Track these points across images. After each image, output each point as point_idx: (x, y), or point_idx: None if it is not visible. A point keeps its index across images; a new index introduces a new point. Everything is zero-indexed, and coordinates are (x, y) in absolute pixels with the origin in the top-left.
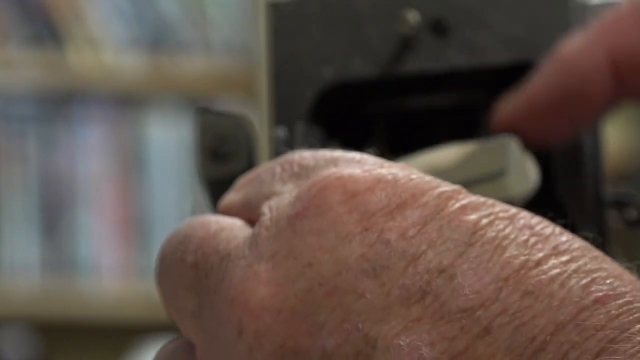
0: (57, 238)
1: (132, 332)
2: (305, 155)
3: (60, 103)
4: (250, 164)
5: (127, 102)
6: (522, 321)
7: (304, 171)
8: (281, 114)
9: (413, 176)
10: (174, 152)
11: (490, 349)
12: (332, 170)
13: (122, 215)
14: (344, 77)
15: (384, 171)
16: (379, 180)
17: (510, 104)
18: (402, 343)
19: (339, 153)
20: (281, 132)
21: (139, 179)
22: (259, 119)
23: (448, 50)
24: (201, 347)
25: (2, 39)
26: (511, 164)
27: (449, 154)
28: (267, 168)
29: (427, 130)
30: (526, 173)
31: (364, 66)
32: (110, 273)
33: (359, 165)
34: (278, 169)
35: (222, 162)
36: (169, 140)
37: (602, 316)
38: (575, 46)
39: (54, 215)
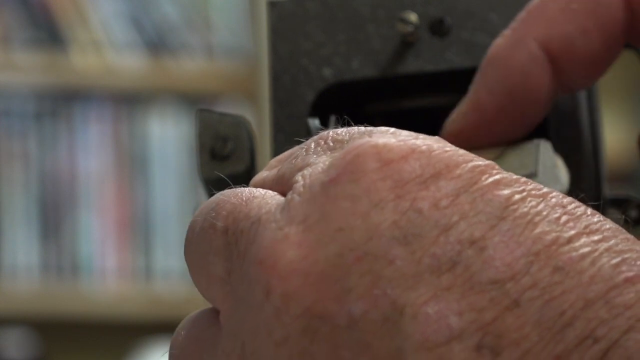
0: (58, 237)
1: (132, 332)
2: (339, 131)
3: (62, 103)
4: (250, 164)
5: (128, 102)
6: (552, 296)
7: (339, 144)
8: (281, 114)
9: (447, 148)
10: (175, 152)
11: (518, 322)
12: (367, 139)
13: (122, 215)
14: (344, 77)
15: (418, 142)
16: (414, 150)
17: (456, 117)
18: (430, 311)
19: (372, 127)
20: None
21: (139, 179)
22: (259, 119)
23: (448, 50)
24: (226, 312)
25: (5, 41)
26: (540, 166)
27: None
28: (301, 145)
29: (427, 130)
30: (557, 175)
31: (364, 66)
32: (110, 273)
33: (394, 136)
34: (312, 145)
35: (222, 162)
36: (170, 140)
37: (632, 295)
38: (506, 42)
39: (54, 214)
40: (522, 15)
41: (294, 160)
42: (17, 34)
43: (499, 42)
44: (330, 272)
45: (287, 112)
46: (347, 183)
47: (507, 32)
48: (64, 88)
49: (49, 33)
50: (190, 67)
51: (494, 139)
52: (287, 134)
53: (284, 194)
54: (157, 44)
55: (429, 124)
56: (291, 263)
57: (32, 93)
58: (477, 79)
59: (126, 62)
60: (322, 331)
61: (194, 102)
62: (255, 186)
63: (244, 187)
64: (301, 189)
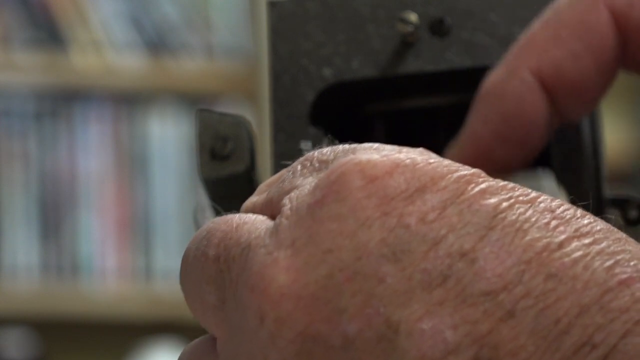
0: (58, 237)
1: (132, 332)
2: (324, 151)
3: (62, 103)
4: (250, 164)
5: (128, 102)
6: (546, 304)
7: (324, 165)
8: (281, 114)
9: (431, 160)
10: (175, 152)
11: (514, 332)
12: (350, 157)
13: (122, 215)
14: (344, 77)
15: (402, 156)
16: (398, 165)
17: (453, 150)
18: (424, 327)
19: (356, 144)
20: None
21: (139, 179)
22: (259, 119)
23: (448, 50)
24: (222, 339)
25: (5, 41)
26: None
27: None
28: (288, 168)
29: (426, 130)
30: None
31: (364, 66)
32: (110, 273)
33: (377, 151)
34: (299, 167)
35: (222, 162)
36: (170, 140)
37: (627, 298)
38: (499, 74)
39: (54, 214)
40: (513, 49)
41: (281, 184)
42: (17, 34)
43: (492, 76)
44: (321, 294)
45: (287, 112)
46: (333, 203)
47: (499, 66)
48: (64, 88)
49: (49, 33)
50: (190, 67)
51: (495, 168)
52: (287, 134)
53: (273, 218)
54: (157, 44)
55: (429, 124)
56: (281, 287)
57: (32, 93)
58: (472, 113)
59: (126, 62)
60: (317, 353)
61: (194, 102)
62: (246, 211)
63: (235, 213)
64: (288, 212)
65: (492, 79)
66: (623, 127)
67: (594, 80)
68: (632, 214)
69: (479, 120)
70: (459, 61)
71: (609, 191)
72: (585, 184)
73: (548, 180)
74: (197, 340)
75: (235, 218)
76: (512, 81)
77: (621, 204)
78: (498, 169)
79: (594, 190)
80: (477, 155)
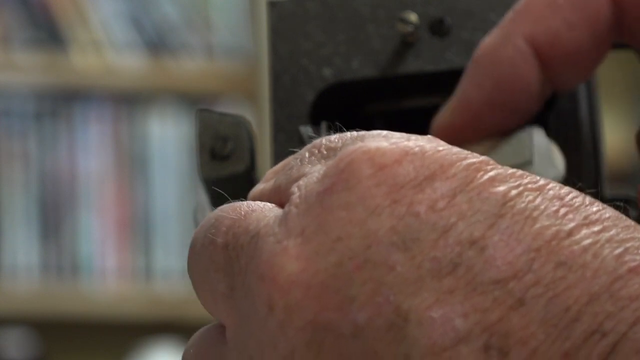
0: (58, 237)
1: (132, 332)
2: (332, 138)
3: (62, 103)
4: (250, 164)
5: (128, 102)
6: (556, 292)
7: (332, 152)
8: (281, 114)
9: (440, 148)
10: (175, 152)
11: (524, 320)
12: (359, 145)
13: (122, 215)
14: (344, 77)
15: (411, 143)
16: (407, 153)
17: (445, 114)
18: (434, 315)
19: (364, 131)
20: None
21: (139, 179)
22: (259, 119)
23: (448, 50)
24: (231, 328)
25: (5, 41)
26: (536, 154)
27: (473, 148)
28: (295, 155)
29: (427, 130)
30: (553, 162)
31: (364, 66)
32: (110, 273)
33: (386, 139)
34: (306, 154)
35: (222, 162)
36: (170, 140)
37: (636, 286)
38: (494, 40)
39: (54, 214)
40: (509, 14)
41: (289, 171)
42: (17, 34)
43: (487, 41)
44: (331, 282)
45: (287, 112)
46: (342, 192)
47: (494, 31)
48: (64, 88)
49: (49, 33)
50: (190, 67)
51: (484, 134)
52: (287, 134)
53: (282, 205)
54: (157, 44)
55: (429, 124)
56: (291, 276)
57: (32, 93)
58: (465, 76)
59: (126, 62)
60: (328, 342)
61: (194, 102)
62: (254, 199)
63: (242, 201)
64: (297, 201)
65: (486, 44)
66: (623, 127)
67: (588, 50)
68: (632, 214)
69: (471, 84)
70: (459, 61)
71: (609, 191)
72: (585, 184)
73: (539, 135)
74: (205, 328)
75: (243, 205)
76: (506, 47)
77: (621, 203)
78: (486, 135)
79: (594, 190)
80: (467, 120)
